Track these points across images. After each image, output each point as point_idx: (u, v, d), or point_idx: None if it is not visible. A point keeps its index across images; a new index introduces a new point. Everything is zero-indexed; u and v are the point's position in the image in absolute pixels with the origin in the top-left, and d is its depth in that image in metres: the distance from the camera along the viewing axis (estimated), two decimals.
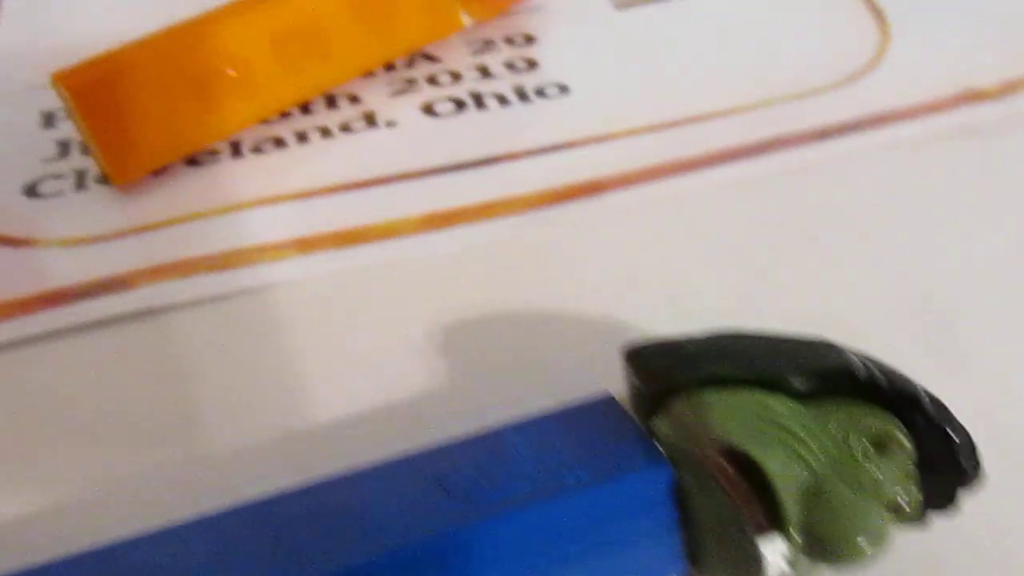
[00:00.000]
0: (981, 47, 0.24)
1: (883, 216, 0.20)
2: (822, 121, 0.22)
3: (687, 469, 0.12)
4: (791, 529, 0.11)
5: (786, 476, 0.12)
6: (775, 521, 0.11)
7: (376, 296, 0.19)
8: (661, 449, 0.13)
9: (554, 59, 0.25)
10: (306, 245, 0.20)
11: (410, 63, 0.25)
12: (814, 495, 0.12)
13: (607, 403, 0.14)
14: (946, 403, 0.13)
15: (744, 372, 0.13)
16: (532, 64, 0.25)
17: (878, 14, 0.26)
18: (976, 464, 0.12)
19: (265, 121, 0.23)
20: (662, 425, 0.13)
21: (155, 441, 0.17)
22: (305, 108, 0.24)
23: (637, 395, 0.13)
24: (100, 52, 0.21)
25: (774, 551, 0.11)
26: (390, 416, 0.17)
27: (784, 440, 0.12)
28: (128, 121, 0.21)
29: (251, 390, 0.17)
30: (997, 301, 0.18)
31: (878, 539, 0.11)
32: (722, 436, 0.12)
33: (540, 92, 0.24)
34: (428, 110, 0.24)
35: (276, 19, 0.22)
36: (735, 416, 0.12)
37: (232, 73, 0.21)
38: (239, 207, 0.21)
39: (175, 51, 0.21)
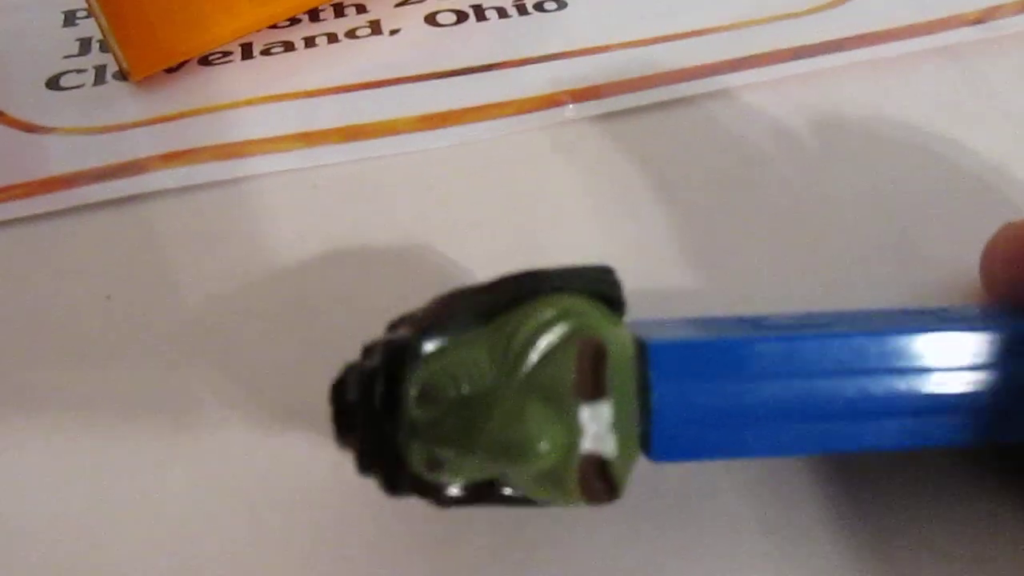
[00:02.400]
0: None
1: (858, 127, 0.21)
2: (805, 40, 0.23)
3: None
4: None
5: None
6: None
7: (372, 186, 0.20)
8: None
9: None
10: (309, 139, 0.21)
11: None
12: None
13: None
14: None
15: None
16: None
17: None
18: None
19: (275, 26, 0.25)
20: None
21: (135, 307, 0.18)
22: (314, 15, 0.25)
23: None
24: None
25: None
26: (371, 295, 0.18)
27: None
28: (146, 17, 0.22)
29: (251, 266, 0.19)
30: (958, 209, 0.19)
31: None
32: None
33: (539, 6, 0.25)
34: (431, 20, 0.25)
35: None
36: None
37: None
38: (248, 102, 0.22)
39: None
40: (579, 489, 0.12)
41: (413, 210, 0.20)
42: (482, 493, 0.13)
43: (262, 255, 0.19)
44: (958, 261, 0.18)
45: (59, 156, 0.21)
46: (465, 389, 0.12)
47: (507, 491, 0.13)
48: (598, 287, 0.13)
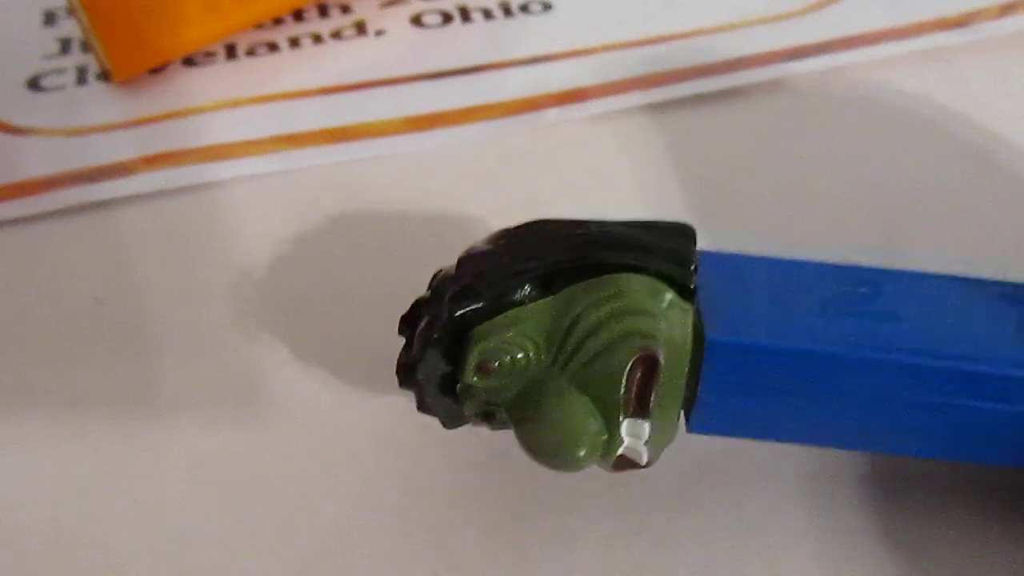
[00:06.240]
0: None
1: (841, 129, 0.22)
2: (792, 42, 0.23)
3: None
4: None
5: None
6: None
7: (362, 188, 0.20)
8: None
9: None
10: (296, 141, 0.21)
11: None
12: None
13: None
14: None
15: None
16: None
17: None
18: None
19: (259, 26, 0.24)
20: None
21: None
22: (298, 15, 0.25)
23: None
24: None
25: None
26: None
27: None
28: (130, 16, 0.21)
29: (240, 269, 0.19)
30: (942, 211, 0.20)
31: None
32: None
33: (524, 8, 0.25)
34: (416, 21, 0.25)
35: None
36: None
37: None
38: (234, 104, 0.22)
39: None
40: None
41: (404, 212, 0.20)
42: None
43: (252, 258, 0.19)
44: (942, 261, 0.18)
45: (40, 158, 0.21)
46: (520, 364, 0.13)
47: None
48: (670, 272, 0.13)
